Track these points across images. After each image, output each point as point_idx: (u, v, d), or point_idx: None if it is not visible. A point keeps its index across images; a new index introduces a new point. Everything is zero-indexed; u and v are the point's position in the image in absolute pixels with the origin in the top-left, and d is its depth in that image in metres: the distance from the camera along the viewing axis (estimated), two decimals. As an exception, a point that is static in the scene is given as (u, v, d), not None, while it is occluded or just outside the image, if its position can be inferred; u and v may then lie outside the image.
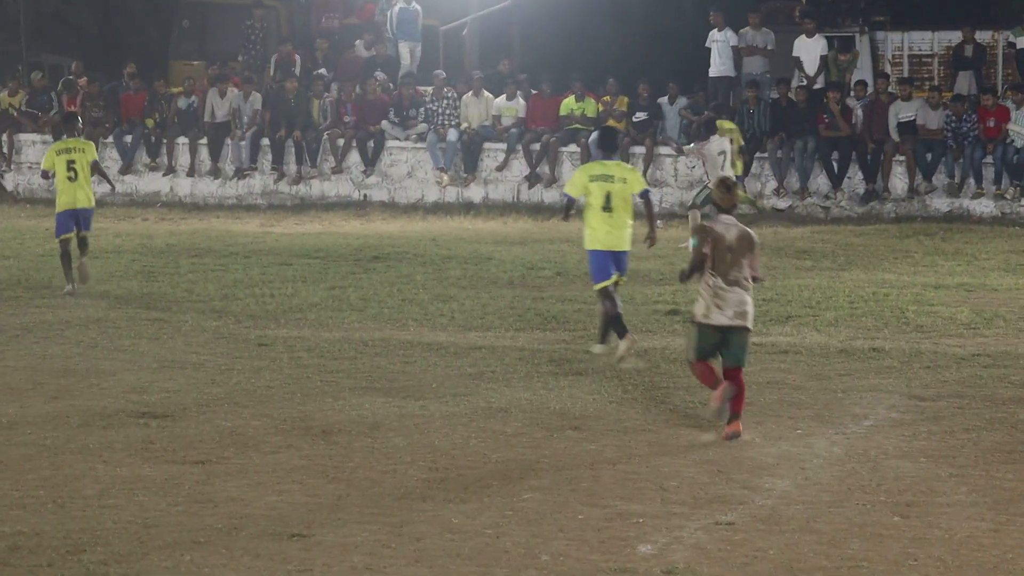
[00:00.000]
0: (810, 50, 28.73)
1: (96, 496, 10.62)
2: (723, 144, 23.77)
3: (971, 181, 26.92)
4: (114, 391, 13.86)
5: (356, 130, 29.37)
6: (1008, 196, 26.74)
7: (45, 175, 20.03)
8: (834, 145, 27.46)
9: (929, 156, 27.00)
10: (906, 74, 30.00)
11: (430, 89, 29.49)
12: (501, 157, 28.99)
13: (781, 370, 14.81)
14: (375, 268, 21.34)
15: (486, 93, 29.29)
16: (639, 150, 28.27)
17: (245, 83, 30.00)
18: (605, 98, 28.82)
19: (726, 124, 24.76)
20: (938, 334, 16.63)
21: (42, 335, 16.56)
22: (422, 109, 29.35)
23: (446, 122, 29.12)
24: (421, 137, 29.26)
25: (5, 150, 30.80)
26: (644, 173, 27.68)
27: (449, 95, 29.29)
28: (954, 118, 26.97)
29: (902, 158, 27.20)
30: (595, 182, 15.40)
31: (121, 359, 15.32)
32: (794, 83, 28.72)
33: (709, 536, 9.83)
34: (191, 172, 30.10)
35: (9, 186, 29.97)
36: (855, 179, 27.53)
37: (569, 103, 28.81)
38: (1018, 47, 28.72)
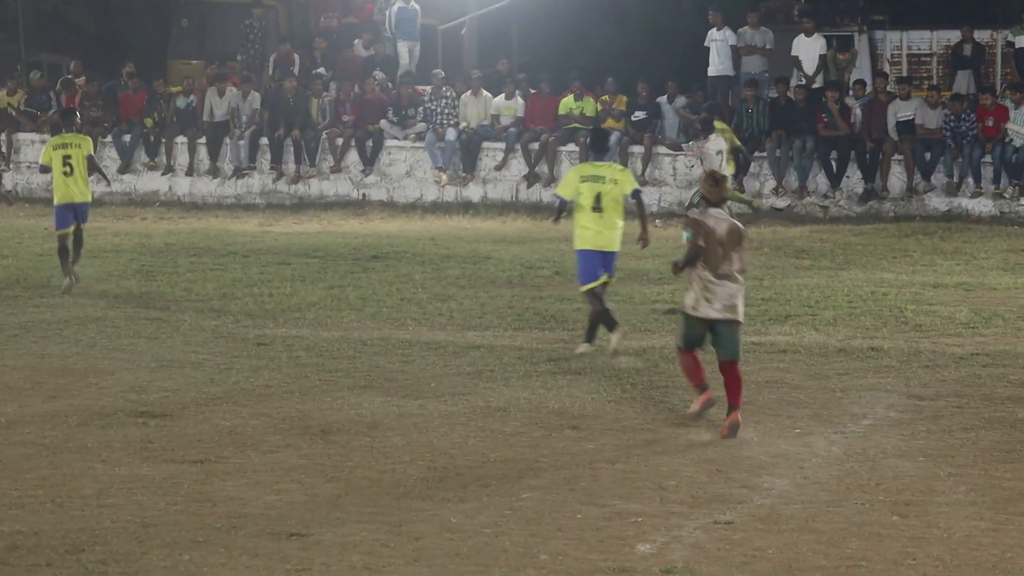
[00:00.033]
0: (809, 49, 28.71)
1: (95, 495, 10.62)
2: (720, 143, 23.94)
3: (970, 180, 26.89)
4: (113, 390, 13.85)
5: (355, 129, 29.35)
6: (1007, 195, 26.72)
7: (44, 170, 20.11)
8: (833, 144, 27.44)
9: (928, 155, 26.98)
10: (905, 73, 29.99)
11: (429, 88, 29.46)
12: (500, 156, 28.97)
13: (780, 369, 14.81)
14: (374, 267, 21.33)
15: (485, 92, 29.26)
16: (638, 149, 28.26)
17: (244, 82, 29.98)
18: (604, 97, 28.81)
19: (718, 125, 24.80)
20: (937, 333, 16.62)
21: (41, 334, 16.56)
22: (421, 108, 29.33)
23: (445, 121, 29.10)
24: (420, 136, 29.24)
25: (4, 149, 30.81)
26: (643, 172, 27.73)
27: (448, 94, 29.27)
28: (953, 117, 26.94)
29: (901, 157, 27.17)
30: (586, 183, 15.46)
31: (120, 358, 15.31)
32: (793, 82, 28.71)
33: (708, 535, 9.83)
34: (190, 171, 30.09)
35: (8, 185, 29.96)
36: (854, 178, 27.50)
37: (568, 102, 28.79)
38: (1017, 46, 28.70)
